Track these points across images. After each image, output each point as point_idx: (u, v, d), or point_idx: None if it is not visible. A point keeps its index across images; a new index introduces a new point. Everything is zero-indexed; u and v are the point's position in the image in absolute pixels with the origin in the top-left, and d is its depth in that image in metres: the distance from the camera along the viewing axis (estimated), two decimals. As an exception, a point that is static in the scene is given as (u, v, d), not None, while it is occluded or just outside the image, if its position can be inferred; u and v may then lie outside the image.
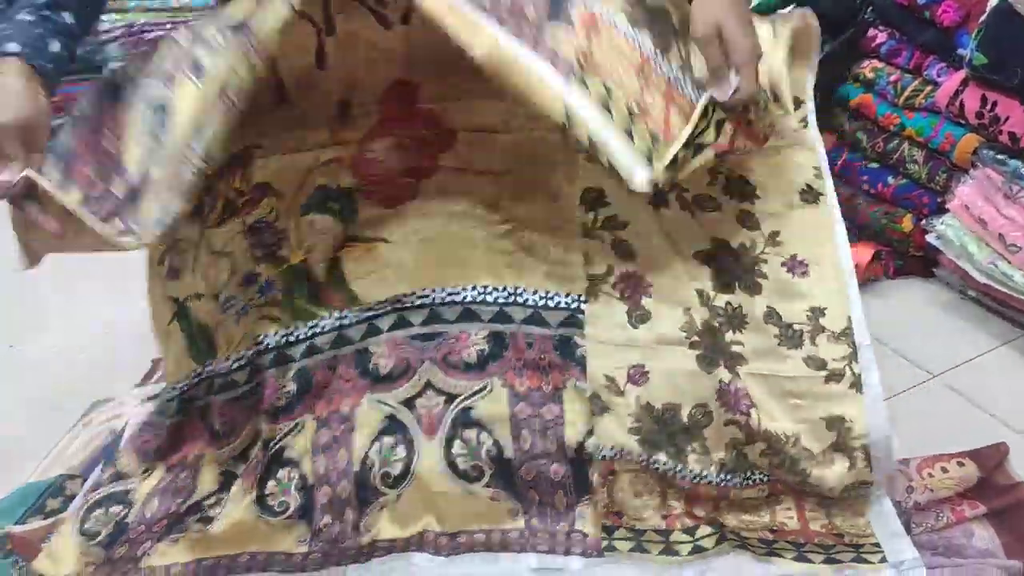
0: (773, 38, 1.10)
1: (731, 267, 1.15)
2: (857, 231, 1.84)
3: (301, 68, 1.13)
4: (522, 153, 1.17)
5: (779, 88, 1.06)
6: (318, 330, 1.19)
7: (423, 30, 1.01)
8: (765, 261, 1.15)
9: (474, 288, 1.17)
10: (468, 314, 1.18)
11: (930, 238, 1.66)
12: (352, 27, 1.11)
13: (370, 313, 1.19)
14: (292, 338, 1.19)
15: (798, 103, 1.19)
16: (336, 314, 1.18)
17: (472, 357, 1.16)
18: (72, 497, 1.35)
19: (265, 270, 1.17)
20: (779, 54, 1.08)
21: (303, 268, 1.17)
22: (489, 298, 1.17)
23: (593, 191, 1.16)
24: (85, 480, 1.37)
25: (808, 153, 1.19)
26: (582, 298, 1.15)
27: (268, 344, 1.19)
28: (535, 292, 1.17)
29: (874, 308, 1.70)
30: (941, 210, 1.67)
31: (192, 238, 1.17)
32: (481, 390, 1.14)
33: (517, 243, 1.17)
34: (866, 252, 1.75)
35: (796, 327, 1.12)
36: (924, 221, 1.70)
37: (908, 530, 1.12)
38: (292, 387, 1.18)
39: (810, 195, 1.17)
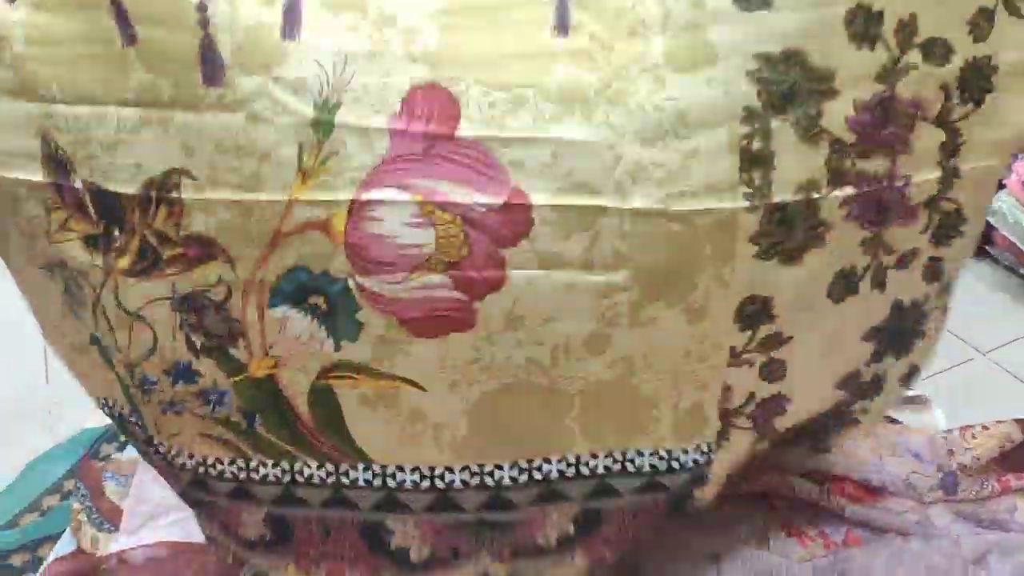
0: None
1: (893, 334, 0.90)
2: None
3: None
4: (649, 245, 0.78)
5: None
6: (300, 478, 0.86)
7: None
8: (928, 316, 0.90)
9: (562, 461, 0.85)
10: (551, 494, 0.86)
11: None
12: None
13: (391, 482, 0.85)
14: (256, 475, 0.86)
15: None
16: (330, 467, 0.84)
17: (551, 540, 0.88)
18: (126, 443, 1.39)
19: (209, 371, 0.81)
20: None
21: (272, 388, 0.81)
22: (586, 469, 0.85)
23: (756, 300, 0.80)
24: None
25: None
26: (711, 447, 0.86)
27: (220, 472, 0.87)
28: (653, 454, 0.86)
29: (924, 284, 1.70)
30: (998, 187, 1.64)
31: (90, 273, 0.80)
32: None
33: (631, 390, 0.81)
34: (917, 227, 1.73)
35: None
36: (979, 197, 1.67)
37: (955, 492, 1.12)
38: (265, 532, 0.90)
39: None
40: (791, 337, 0.82)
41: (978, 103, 0.82)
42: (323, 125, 0.75)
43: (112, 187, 0.76)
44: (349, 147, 0.75)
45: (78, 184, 0.77)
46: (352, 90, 0.75)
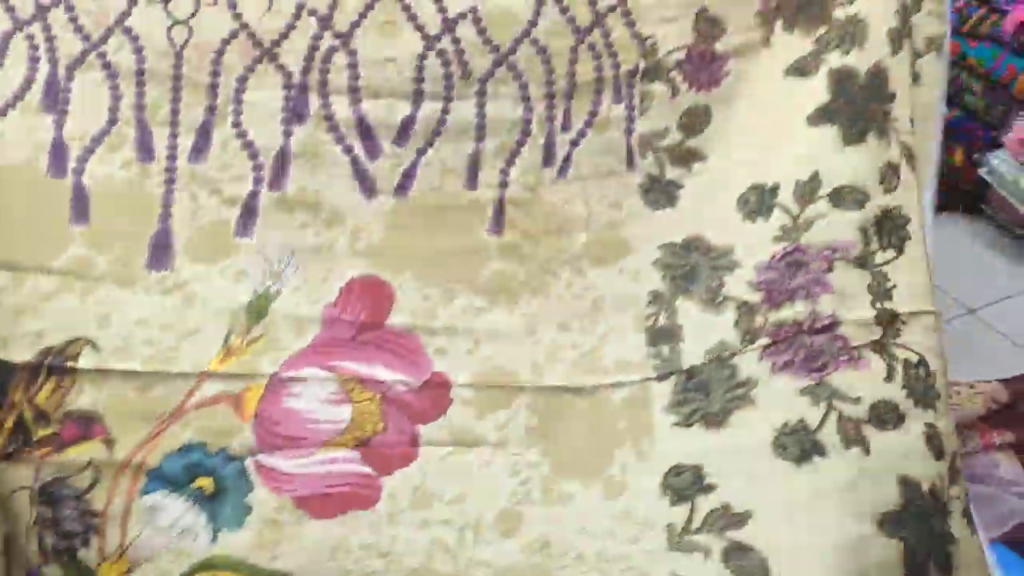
0: None
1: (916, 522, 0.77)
2: (905, 162, 1.81)
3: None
4: (562, 422, 0.80)
5: None
6: None
7: (422, 210, 0.83)
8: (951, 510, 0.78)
9: None
10: None
11: (981, 172, 1.64)
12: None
13: None
14: None
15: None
16: None
17: None
18: None
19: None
20: None
21: None
22: None
23: (684, 470, 0.77)
24: None
25: None
26: None
27: None
28: None
29: (917, 240, 1.69)
30: (995, 144, 1.64)
31: None
32: None
33: None
34: (913, 184, 1.72)
35: None
36: (976, 155, 1.67)
37: None
38: None
39: None
40: (749, 513, 0.73)
41: (900, 250, 0.84)
42: (258, 311, 0.78)
43: (4, 355, 0.74)
44: (280, 331, 0.78)
45: None
46: (292, 281, 0.80)
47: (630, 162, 0.87)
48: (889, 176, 0.85)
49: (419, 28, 0.84)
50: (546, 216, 0.85)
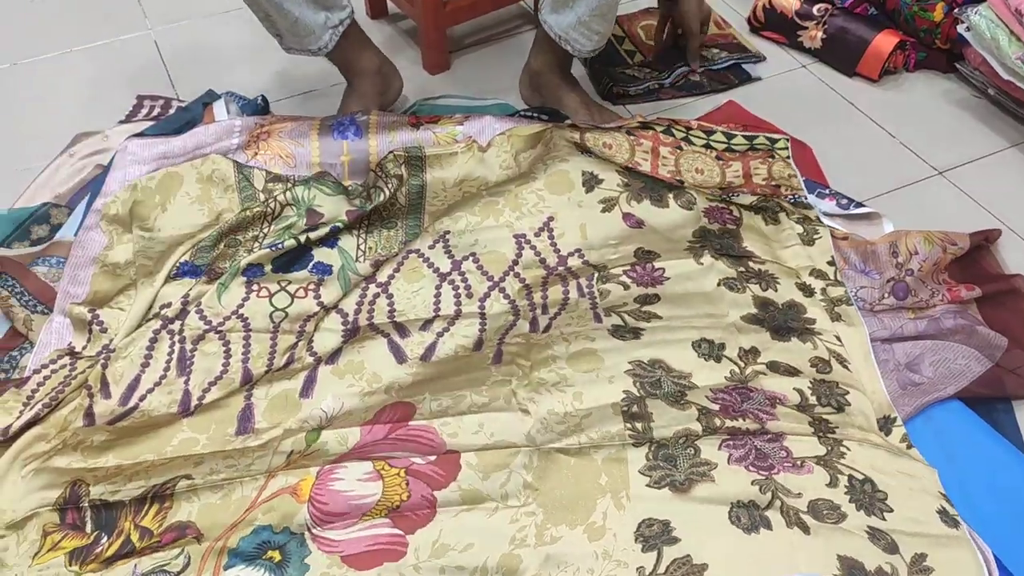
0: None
1: None
2: (884, 18, 1.74)
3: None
4: (553, 476, 0.95)
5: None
6: None
7: (440, 364, 1.09)
8: None
9: None
10: None
11: (960, 29, 1.58)
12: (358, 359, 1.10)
13: None
14: None
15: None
16: None
17: None
18: (58, 226, 1.33)
19: None
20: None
21: None
22: None
23: (654, 523, 0.90)
24: (71, 210, 1.35)
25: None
26: None
27: None
28: None
29: (889, 100, 1.66)
30: (976, 0, 1.58)
31: None
32: None
33: None
34: (890, 41, 1.67)
35: None
36: (957, 10, 1.61)
37: (904, 299, 1.18)
38: None
39: (948, 520, 0.93)
40: (705, 565, 0.87)
41: (839, 408, 1.05)
42: (313, 436, 1.00)
43: (117, 498, 0.94)
44: (328, 444, 0.99)
45: (84, 504, 0.94)
46: (339, 417, 1.03)
47: (598, 319, 1.14)
48: (820, 365, 1.10)
49: (436, 270, 1.22)
50: (535, 351, 1.10)
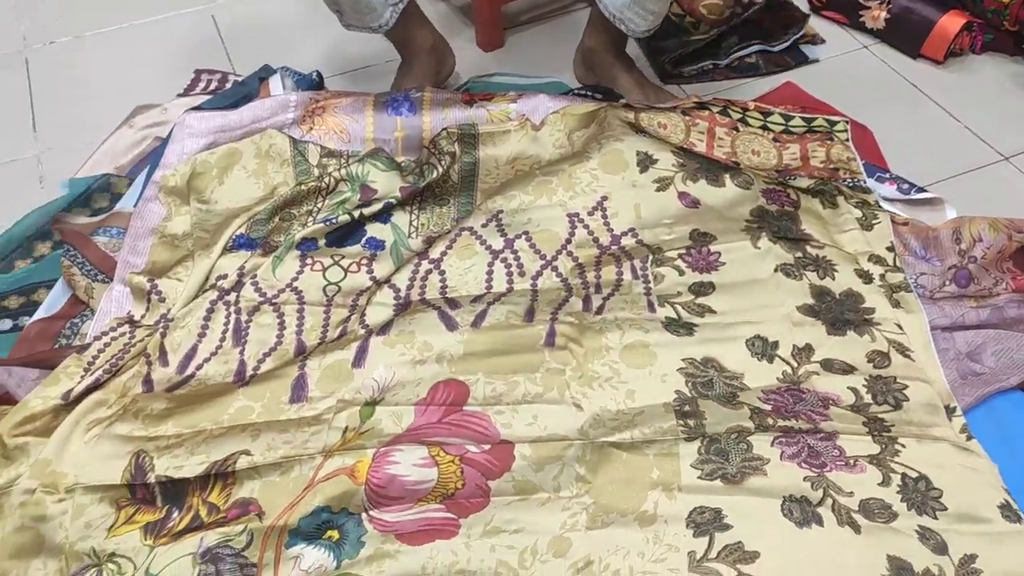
0: None
1: None
2: (951, -1, 1.70)
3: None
4: (605, 470, 0.96)
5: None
6: None
7: (491, 332, 1.10)
8: None
9: None
10: None
11: (1031, 10, 1.53)
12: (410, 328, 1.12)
13: None
14: None
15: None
16: None
17: None
18: (118, 197, 1.35)
19: None
20: None
21: None
22: None
23: (706, 510, 0.91)
24: (131, 181, 1.38)
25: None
26: None
27: None
28: None
29: (954, 83, 1.62)
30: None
31: (135, 556, 0.92)
32: None
33: None
34: (956, 22, 1.62)
35: None
36: (1029, -9, 1.55)
37: (966, 287, 1.16)
38: None
39: (1012, 515, 0.91)
40: (757, 553, 0.86)
41: (897, 405, 1.02)
42: (368, 412, 1.02)
43: (181, 475, 0.96)
44: (383, 423, 1.00)
45: (151, 479, 0.96)
46: (393, 389, 1.04)
47: (651, 309, 1.14)
48: (878, 359, 1.07)
49: (488, 248, 1.22)
50: (588, 336, 1.09)
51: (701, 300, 1.14)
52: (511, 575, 0.88)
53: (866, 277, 1.17)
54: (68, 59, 1.77)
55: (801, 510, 0.90)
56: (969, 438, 1.00)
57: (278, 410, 1.04)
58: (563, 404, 1.01)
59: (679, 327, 1.10)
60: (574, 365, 1.06)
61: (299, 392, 1.05)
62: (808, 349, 1.08)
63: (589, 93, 1.49)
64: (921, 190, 1.33)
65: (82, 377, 1.07)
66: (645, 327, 1.10)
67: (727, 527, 0.89)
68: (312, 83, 1.54)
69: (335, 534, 0.92)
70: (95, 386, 1.06)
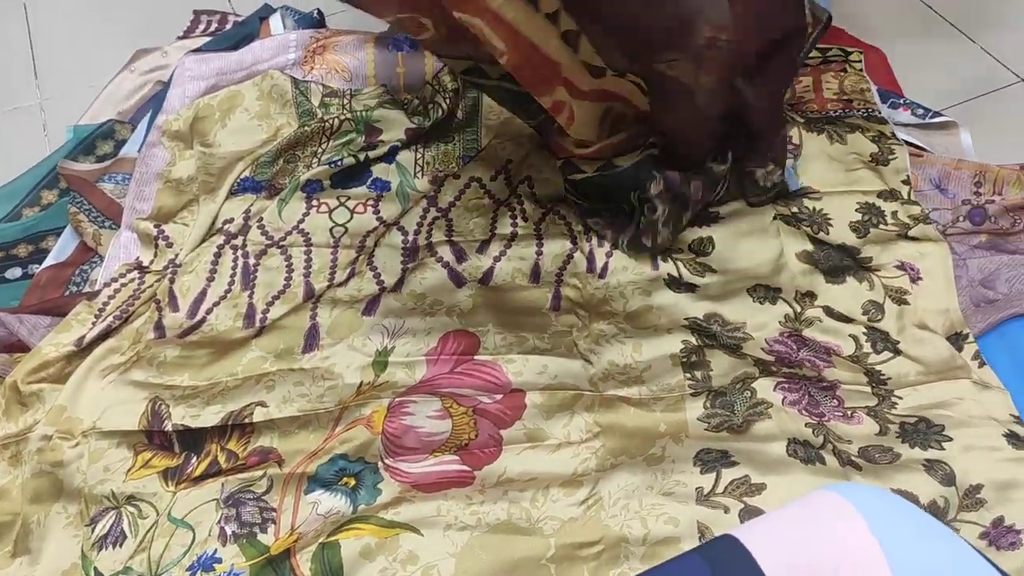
0: None
1: None
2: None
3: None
4: (613, 421, 0.96)
5: None
6: None
7: (496, 290, 1.10)
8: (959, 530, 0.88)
9: None
10: None
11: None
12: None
13: None
14: None
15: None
16: None
17: None
18: (122, 142, 1.35)
19: (230, 558, 0.89)
20: None
21: (286, 563, 0.88)
22: None
23: (712, 451, 0.92)
24: (134, 127, 1.37)
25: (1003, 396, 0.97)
26: None
27: None
28: None
29: (971, 2, 1.56)
30: None
31: (155, 500, 0.94)
32: None
33: (602, 528, 0.88)
34: (975, -62, 1.57)
35: None
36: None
37: (981, 224, 1.14)
38: None
39: (1018, 442, 0.92)
40: (764, 485, 0.88)
41: (896, 352, 1.03)
42: (380, 364, 1.03)
43: (199, 424, 0.97)
44: (397, 375, 1.01)
45: (168, 427, 0.97)
46: (404, 337, 1.05)
47: (655, 266, 1.12)
48: (873, 310, 1.07)
49: (492, 197, 1.22)
50: (593, 301, 1.10)
51: (702, 260, 1.13)
52: (523, 513, 0.90)
53: (861, 229, 1.14)
54: (66, 3, 1.75)
55: (806, 451, 0.91)
56: (981, 364, 0.99)
57: (291, 360, 1.04)
58: (572, 358, 1.03)
59: (681, 286, 1.10)
60: (580, 326, 1.07)
61: (311, 341, 1.06)
62: (810, 295, 1.08)
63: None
64: (937, 114, 1.30)
65: (93, 323, 1.08)
66: (648, 289, 1.10)
67: (734, 463, 0.90)
68: (313, 21, 1.52)
69: (352, 481, 0.93)
70: (107, 332, 1.07)
